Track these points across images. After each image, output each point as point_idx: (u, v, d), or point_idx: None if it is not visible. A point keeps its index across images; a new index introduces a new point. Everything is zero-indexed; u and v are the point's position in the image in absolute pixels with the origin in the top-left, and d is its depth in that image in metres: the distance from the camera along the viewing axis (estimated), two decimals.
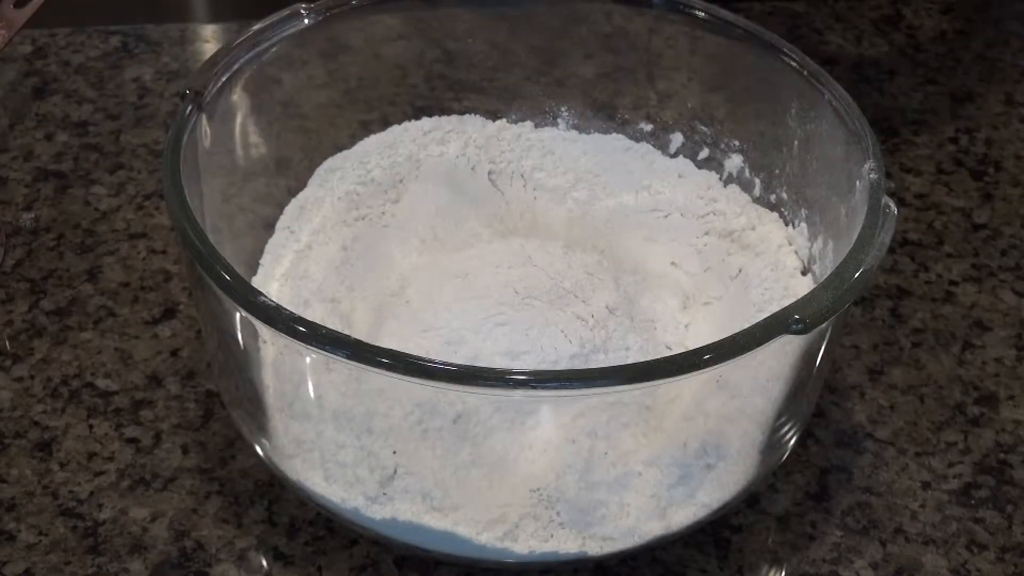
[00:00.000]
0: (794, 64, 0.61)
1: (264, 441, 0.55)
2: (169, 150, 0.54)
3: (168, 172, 0.53)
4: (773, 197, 0.65)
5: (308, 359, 0.52)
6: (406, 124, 0.68)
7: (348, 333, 0.48)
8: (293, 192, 0.66)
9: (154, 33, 0.87)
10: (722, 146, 0.67)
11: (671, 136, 0.69)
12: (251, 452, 0.58)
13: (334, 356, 0.47)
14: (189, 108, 0.56)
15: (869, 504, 0.59)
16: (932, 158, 0.80)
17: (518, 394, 0.49)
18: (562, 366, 0.55)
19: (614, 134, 0.70)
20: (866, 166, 0.54)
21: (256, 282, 0.62)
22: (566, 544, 0.52)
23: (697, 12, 0.64)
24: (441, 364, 0.46)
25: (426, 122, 0.68)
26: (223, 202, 0.61)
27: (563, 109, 0.70)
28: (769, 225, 0.64)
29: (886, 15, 0.93)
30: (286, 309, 0.48)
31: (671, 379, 0.47)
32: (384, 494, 0.52)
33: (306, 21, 0.62)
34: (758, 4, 0.93)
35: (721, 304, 0.62)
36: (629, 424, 0.53)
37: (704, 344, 0.47)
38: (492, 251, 0.63)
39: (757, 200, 0.66)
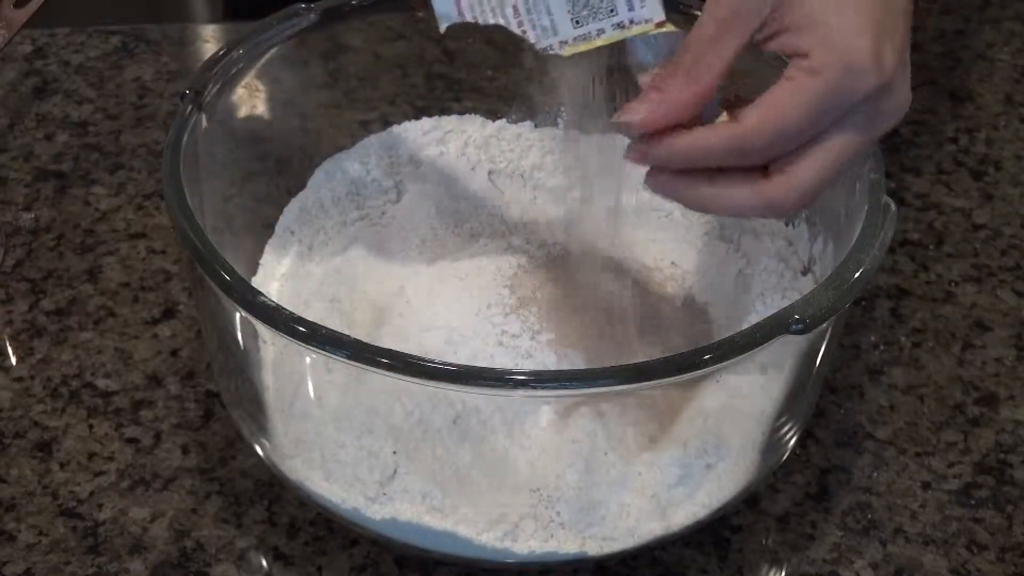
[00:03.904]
0: None
1: (264, 441, 0.55)
2: (169, 150, 0.54)
3: (168, 172, 0.53)
4: None
5: (308, 359, 0.52)
6: (406, 124, 0.68)
7: (348, 333, 0.48)
8: (293, 192, 0.66)
9: (154, 33, 0.87)
10: None
11: None
12: (251, 452, 0.58)
13: (334, 356, 0.47)
14: (189, 108, 0.56)
15: (869, 504, 0.59)
16: (932, 158, 0.80)
17: (518, 394, 0.49)
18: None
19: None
20: (866, 166, 0.54)
21: (256, 282, 0.62)
22: (566, 544, 0.52)
23: (697, 12, 0.64)
24: (441, 364, 0.46)
25: (426, 122, 0.68)
26: (223, 202, 0.61)
27: (563, 109, 0.70)
28: (769, 225, 0.64)
29: None
30: (286, 309, 0.48)
31: (671, 379, 0.47)
32: (384, 494, 0.52)
33: (306, 21, 0.62)
34: None
35: (721, 304, 0.62)
36: (629, 424, 0.53)
37: (704, 344, 0.47)
38: (492, 251, 0.63)
39: None
